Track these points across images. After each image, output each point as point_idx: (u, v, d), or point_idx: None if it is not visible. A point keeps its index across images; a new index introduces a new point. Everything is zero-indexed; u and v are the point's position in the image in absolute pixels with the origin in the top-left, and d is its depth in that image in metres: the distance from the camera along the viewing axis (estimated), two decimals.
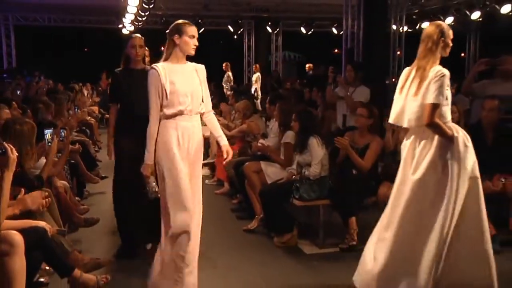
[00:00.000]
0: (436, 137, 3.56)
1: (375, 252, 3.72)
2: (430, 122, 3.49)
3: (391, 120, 3.78)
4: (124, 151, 4.64)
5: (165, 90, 3.62)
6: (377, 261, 3.66)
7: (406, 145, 3.72)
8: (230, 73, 15.30)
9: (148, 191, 3.79)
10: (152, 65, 3.73)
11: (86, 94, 13.73)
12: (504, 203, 5.24)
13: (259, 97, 12.06)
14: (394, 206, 3.68)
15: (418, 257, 3.52)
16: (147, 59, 5.08)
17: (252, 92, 11.02)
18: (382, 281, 3.61)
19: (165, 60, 3.72)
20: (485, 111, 5.30)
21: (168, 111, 3.65)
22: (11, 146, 3.13)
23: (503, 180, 5.03)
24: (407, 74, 3.74)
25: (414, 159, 3.62)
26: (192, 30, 3.71)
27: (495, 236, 4.84)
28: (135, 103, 4.52)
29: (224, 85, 14.53)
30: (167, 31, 3.75)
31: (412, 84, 3.63)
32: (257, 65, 15.19)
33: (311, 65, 15.10)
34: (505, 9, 10.52)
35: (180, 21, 3.77)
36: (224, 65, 15.44)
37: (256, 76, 15.27)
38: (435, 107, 3.49)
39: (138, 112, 4.26)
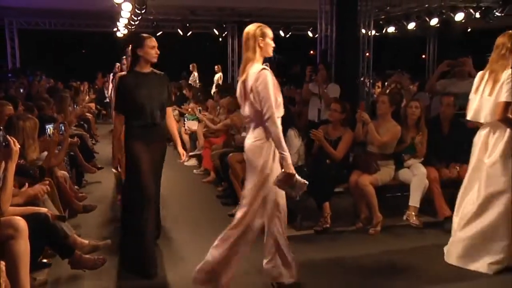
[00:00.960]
0: (508, 129, 3.83)
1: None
2: (503, 117, 3.78)
3: (469, 117, 4.10)
4: (144, 161, 3.96)
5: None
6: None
7: (480, 136, 4.01)
8: (196, 73, 15.06)
9: (295, 189, 3.30)
10: (263, 67, 3.33)
11: (84, 92, 13.57)
12: (458, 188, 5.33)
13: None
14: (468, 186, 4.06)
15: (495, 230, 3.86)
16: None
17: (212, 93, 10.63)
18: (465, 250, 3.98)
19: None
20: (443, 106, 5.37)
21: (278, 114, 3.30)
22: (14, 139, 3.10)
23: (457, 168, 5.11)
24: (481, 76, 4.00)
25: (489, 147, 3.92)
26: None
27: (450, 217, 4.93)
28: (153, 108, 4.00)
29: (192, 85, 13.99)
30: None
31: (486, 86, 3.89)
32: (219, 66, 14.95)
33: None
34: (458, 16, 10.70)
35: None
36: (191, 66, 15.17)
37: (218, 76, 15.04)
38: (507, 105, 3.76)
39: (155, 117, 4.00)
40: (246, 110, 3.40)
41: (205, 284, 3.47)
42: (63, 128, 5.18)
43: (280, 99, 3.37)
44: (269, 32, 3.42)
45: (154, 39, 4.06)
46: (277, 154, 3.30)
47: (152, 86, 4.05)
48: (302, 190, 3.33)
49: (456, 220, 4.14)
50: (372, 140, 5.12)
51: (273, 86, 3.26)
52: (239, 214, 3.46)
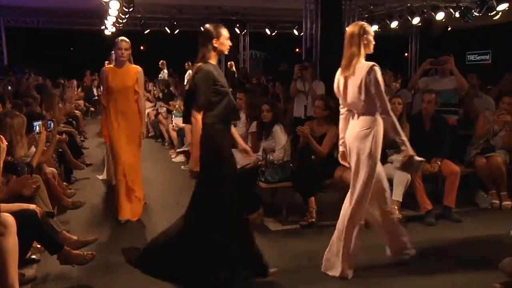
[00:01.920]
0: None
1: None
2: None
3: None
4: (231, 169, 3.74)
5: None
6: None
7: None
8: (166, 70, 14.68)
9: (415, 168, 3.75)
10: (373, 63, 3.51)
11: (72, 89, 13.42)
12: (439, 182, 5.39)
13: None
14: None
15: None
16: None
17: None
18: None
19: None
20: (424, 103, 5.41)
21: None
22: (1, 136, 3.05)
23: (439, 162, 5.16)
24: None
25: None
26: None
27: (431, 210, 4.99)
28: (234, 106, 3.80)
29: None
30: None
31: None
32: (190, 63, 14.46)
33: (232, 62, 14.83)
34: (439, 16, 10.80)
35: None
36: (160, 63, 14.76)
37: (188, 73, 14.58)
38: None
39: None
40: (347, 101, 3.66)
41: (332, 269, 3.71)
42: (51, 125, 5.12)
43: None
44: (370, 30, 3.64)
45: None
46: (378, 141, 3.54)
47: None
48: (420, 168, 3.78)
49: None
50: None
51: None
52: (351, 203, 3.63)
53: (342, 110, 3.78)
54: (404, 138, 3.58)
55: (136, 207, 5.12)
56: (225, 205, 3.57)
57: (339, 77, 3.70)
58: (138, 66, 5.13)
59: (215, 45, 3.57)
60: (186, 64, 14.27)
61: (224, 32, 3.62)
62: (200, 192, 3.65)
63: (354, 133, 3.62)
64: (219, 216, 3.54)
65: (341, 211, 3.72)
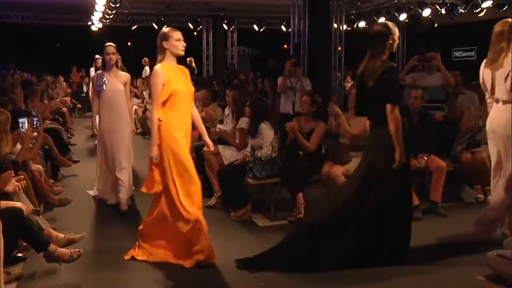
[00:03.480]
0: None
1: None
2: None
3: None
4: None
5: None
6: None
7: None
8: (148, 68, 14.32)
9: None
10: None
11: (60, 86, 13.28)
12: (426, 177, 5.43)
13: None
14: None
15: None
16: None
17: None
18: None
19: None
20: (411, 98, 5.44)
21: None
22: None
23: (425, 158, 5.19)
24: None
25: None
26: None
27: (418, 205, 5.03)
28: None
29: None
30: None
31: None
32: (146, 59, 13.72)
33: (192, 58, 14.69)
34: (426, 12, 10.88)
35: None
36: (143, 60, 14.50)
37: (145, 69, 14.36)
38: None
39: None
40: (494, 91, 4.02)
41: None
42: (37, 122, 5.06)
43: None
44: None
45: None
46: None
47: None
48: None
49: None
50: (343, 134, 5.16)
51: None
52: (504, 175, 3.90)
53: (489, 100, 4.20)
54: None
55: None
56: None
57: (483, 70, 4.11)
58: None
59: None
60: (143, 60, 13.96)
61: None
62: (393, 186, 3.72)
63: (501, 119, 3.96)
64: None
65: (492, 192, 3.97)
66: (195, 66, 13.50)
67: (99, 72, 5.59)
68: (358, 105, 4.07)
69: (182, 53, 3.93)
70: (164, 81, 3.75)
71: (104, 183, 5.56)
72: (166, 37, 3.82)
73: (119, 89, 5.39)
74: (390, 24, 3.88)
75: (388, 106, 3.63)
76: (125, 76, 5.52)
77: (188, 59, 14.34)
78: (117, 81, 5.40)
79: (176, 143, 3.78)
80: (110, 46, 5.43)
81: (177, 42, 3.85)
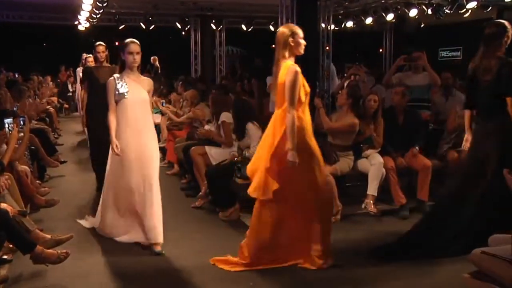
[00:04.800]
0: None
1: None
2: None
3: None
4: None
5: None
6: None
7: None
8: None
9: None
10: None
11: (47, 85, 13.13)
12: (413, 176, 5.47)
13: None
14: None
15: None
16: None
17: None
18: None
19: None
20: (392, 94, 5.51)
21: None
22: None
23: (417, 148, 5.24)
24: None
25: None
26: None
27: (405, 204, 5.08)
28: None
29: None
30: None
31: None
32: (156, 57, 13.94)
33: (155, 57, 14.64)
34: (412, 12, 10.96)
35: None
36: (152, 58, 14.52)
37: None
38: None
39: None
40: None
41: None
42: (22, 122, 5.01)
43: None
44: None
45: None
46: None
47: None
48: None
49: None
50: (323, 124, 5.19)
51: None
52: None
53: None
54: None
55: None
56: None
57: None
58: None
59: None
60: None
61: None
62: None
63: None
64: None
65: None
66: (158, 66, 13.47)
67: (116, 75, 4.27)
68: (469, 99, 4.23)
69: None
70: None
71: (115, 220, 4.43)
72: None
73: (144, 98, 4.28)
74: (506, 23, 4.00)
75: (509, 99, 3.80)
76: (148, 81, 4.41)
77: (152, 58, 14.24)
78: (141, 87, 4.28)
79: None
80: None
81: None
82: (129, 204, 4.26)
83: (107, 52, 5.94)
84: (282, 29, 3.75)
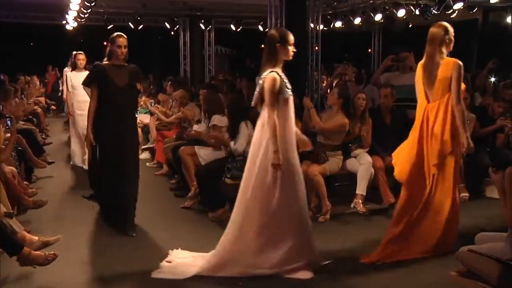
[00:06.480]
0: None
1: None
2: None
3: None
4: None
5: None
6: None
7: None
8: None
9: None
10: None
11: (35, 86, 12.98)
12: None
13: None
14: None
15: None
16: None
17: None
18: None
19: None
20: (382, 97, 5.54)
21: None
22: None
23: None
24: None
25: None
26: None
27: (394, 203, 5.09)
28: None
29: None
30: None
31: None
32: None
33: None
34: (400, 13, 11.04)
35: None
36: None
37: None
38: None
39: None
40: None
41: None
42: (10, 122, 4.96)
43: None
44: None
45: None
46: None
47: None
48: None
49: None
50: (314, 125, 5.21)
51: None
52: None
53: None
54: None
55: None
56: None
57: None
58: None
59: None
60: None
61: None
62: None
63: None
64: None
65: None
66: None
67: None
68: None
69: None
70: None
71: None
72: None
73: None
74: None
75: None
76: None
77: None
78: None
79: None
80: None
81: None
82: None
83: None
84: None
